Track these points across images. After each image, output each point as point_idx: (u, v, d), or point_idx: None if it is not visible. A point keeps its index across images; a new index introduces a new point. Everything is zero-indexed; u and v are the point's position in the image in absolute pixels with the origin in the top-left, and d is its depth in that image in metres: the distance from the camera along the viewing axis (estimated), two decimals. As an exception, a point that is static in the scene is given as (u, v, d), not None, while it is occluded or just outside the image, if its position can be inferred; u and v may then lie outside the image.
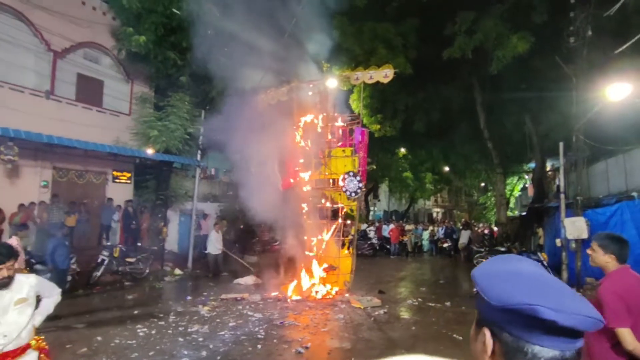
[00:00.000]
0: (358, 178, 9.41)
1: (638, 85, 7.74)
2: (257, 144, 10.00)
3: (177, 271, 11.93)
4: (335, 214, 10.52)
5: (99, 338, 5.97)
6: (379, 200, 33.24)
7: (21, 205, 10.00)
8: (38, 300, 2.87)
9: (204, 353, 5.52)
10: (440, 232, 21.37)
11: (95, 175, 12.69)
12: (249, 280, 10.75)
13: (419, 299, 9.30)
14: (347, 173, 9.42)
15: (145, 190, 13.85)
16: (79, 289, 9.11)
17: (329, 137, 10.41)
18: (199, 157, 13.71)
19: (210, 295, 9.19)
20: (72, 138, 10.04)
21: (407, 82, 14.92)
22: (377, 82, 10.14)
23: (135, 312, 7.67)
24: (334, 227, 10.22)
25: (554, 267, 10.20)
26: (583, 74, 10.19)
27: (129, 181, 13.51)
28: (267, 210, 10.01)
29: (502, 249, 14.33)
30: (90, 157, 11.81)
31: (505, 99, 15.37)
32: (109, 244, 11.12)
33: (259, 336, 6.32)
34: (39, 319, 2.82)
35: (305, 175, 10.36)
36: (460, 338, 6.41)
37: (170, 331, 6.47)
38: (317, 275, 9.71)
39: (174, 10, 11.86)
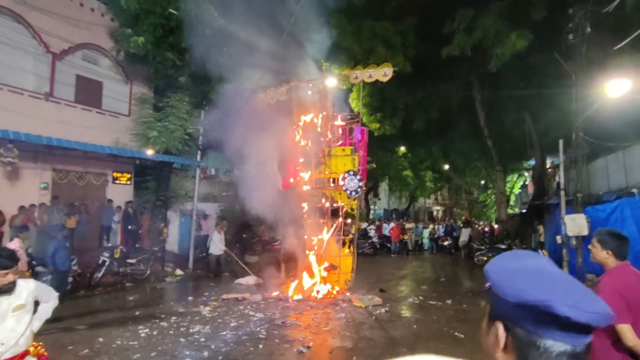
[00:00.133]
0: (358, 177, 9.41)
1: (637, 82, 7.73)
2: (257, 144, 10.00)
3: (178, 272, 11.94)
4: (335, 213, 10.52)
5: (101, 339, 5.98)
6: (379, 199, 33.25)
7: (21, 208, 10.01)
8: (36, 304, 2.86)
9: (205, 353, 5.52)
10: (441, 230, 21.39)
11: (95, 177, 12.69)
12: (249, 280, 10.76)
13: (420, 297, 9.31)
14: (347, 172, 9.41)
15: (146, 191, 13.86)
16: (80, 291, 9.13)
17: (329, 136, 10.41)
18: (198, 157, 13.71)
19: (212, 295, 9.20)
20: (71, 140, 10.05)
21: (407, 80, 14.92)
22: (377, 81, 10.13)
23: (137, 313, 7.68)
24: (334, 226, 10.22)
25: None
26: (582, 70, 10.18)
27: (129, 182, 13.52)
28: (268, 209, 10.02)
29: (503, 247, 14.37)
30: (90, 158, 11.82)
31: (504, 96, 15.37)
32: (109, 245, 11.12)
33: (261, 336, 6.33)
34: (37, 325, 2.79)
35: (305, 175, 10.36)
36: (462, 336, 6.42)
37: (171, 332, 6.48)
38: (318, 275, 9.72)
39: (172, 10, 11.84)
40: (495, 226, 22.64)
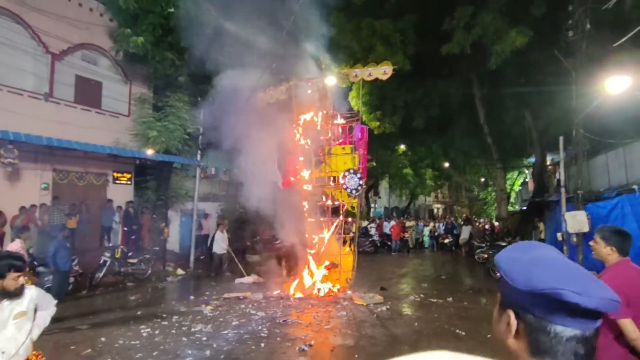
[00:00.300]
0: (358, 175, 9.41)
1: (637, 78, 7.72)
2: (257, 143, 10.00)
3: (179, 271, 11.96)
4: (336, 211, 10.53)
5: (103, 339, 5.99)
6: (379, 197, 33.27)
7: (22, 208, 10.01)
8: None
9: (207, 352, 5.54)
10: (441, 228, 21.42)
11: (95, 177, 12.69)
12: (250, 279, 10.78)
13: (421, 295, 9.32)
14: (348, 170, 9.42)
15: (146, 191, 13.86)
16: (81, 291, 9.14)
17: (329, 134, 10.40)
18: (198, 156, 13.71)
19: (213, 294, 9.21)
20: (71, 140, 10.05)
21: (406, 78, 14.90)
22: (376, 79, 10.13)
23: (139, 312, 7.69)
24: (335, 224, 10.23)
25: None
26: (582, 67, 10.16)
27: (129, 182, 13.52)
28: (268, 208, 10.02)
29: (503, 244, 14.32)
30: (90, 158, 11.82)
31: (504, 93, 15.35)
32: (110, 245, 11.13)
33: (262, 335, 6.34)
34: (36, 333, 2.76)
35: (306, 174, 10.36)
36: (463, 333, 6.44)
37: (173, 331, 6.49)
38: (319, 273, 9.73)
39: (171, 9, 11.82)
40: (496, 223, 22.66)
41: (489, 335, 6.14)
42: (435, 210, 41.40)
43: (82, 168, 12.12)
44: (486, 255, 13.70)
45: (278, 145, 10.37)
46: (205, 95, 13.32)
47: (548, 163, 18.81)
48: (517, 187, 28.74)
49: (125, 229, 12.73)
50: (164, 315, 7.37)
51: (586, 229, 9.50)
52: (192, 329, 6.56)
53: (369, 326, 6.92)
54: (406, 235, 19.88)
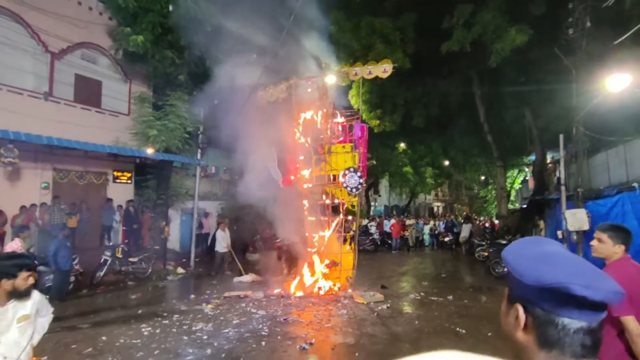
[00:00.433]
0: (359, 174, 9.41)
1: (637, 76, 7.71)
2: (257, 141, 9.99)
3: (180, 270, 11.96)
4: (336, 210, 10.54)
5: (104, 338, 6.00)
6: (379, 196, 33.27)
7: (22, 207, 10.02)
8: None
9: (208, 351, 5.55)
10: (441, 226, 21.41)
11: (95, 176, 12.69)
12: (248, 278, 10.80)
13: (422, 293, 9.33)
14: (348, 169, 9.42)
15: (146, 190, 13.87)
16: (82, 290, 9.15)
17: (329, 133, 10.40)
18: (199, 155, 13.71)
19: (214, 293, 9.23)
20: (71, 139, 10.04)
21: (406, 76, 14.89)
22: (376, 77, 10.11)
23: (139, 311, 7.70)
24: (335, 223, 10.24)
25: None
26: (582, 65, 10.14)
27: (129, 181, 13.52)
28: (268, 207, 10.02)
29: (504, 242, 14.33)
30: (90, 157, 11.82)
31: (504, 92, 15.33)
32: (111, 244, 11.14)
33: (263, 333, 6.35)
34: (37, 339, 2.74)
35: (306, 172, 10.36)
36: (464, 331, 6.45)
37: (174, 330, 6.50)
38: (319, 272, 9.74)
39: (170, 8, 11.80)
40: (496, 222, 22.66)
41: (489, 333, 6.16)
42: (435, 209, 41.38)
43: (82, 167, 12.13)
44: (486, 254, 13.70)
45: (278, 144, 10.37)
46: (205, 94, 13.32)
47: (548, 161, 18.80)
48: (517, 185, 28.75)
49: (126, 228, 12.74)
50: (165, 314, 7.38)
51: (586, 227, 9.49)
52: (193, 328, 6.57)
53: (369, 324, 6.93)
54: (406, 233, 19.89)
